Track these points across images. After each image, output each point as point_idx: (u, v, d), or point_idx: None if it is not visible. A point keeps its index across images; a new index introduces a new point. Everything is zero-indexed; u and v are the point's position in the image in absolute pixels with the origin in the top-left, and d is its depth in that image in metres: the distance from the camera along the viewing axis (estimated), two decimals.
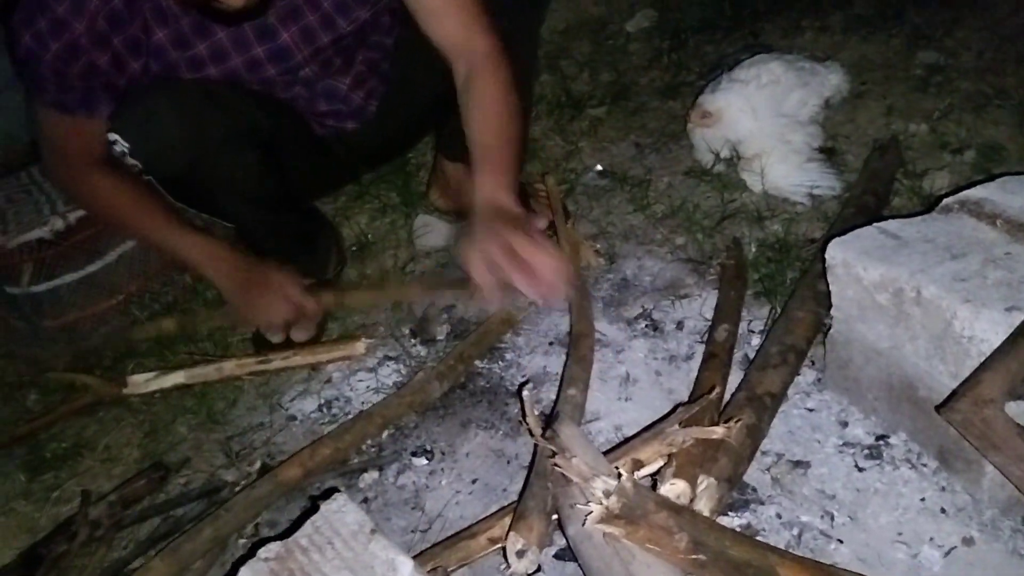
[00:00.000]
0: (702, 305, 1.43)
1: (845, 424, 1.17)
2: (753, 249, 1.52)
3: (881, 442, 1.13)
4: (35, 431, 1.52)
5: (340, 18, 1.38)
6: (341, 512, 0.86)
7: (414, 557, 1.00)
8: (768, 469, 1.12)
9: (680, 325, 1.41)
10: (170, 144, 1.31)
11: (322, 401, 1.44)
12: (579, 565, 0.91)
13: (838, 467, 1.12)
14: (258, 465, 1.34)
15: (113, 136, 1.30)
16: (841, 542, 1.03)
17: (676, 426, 0.99)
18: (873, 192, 1.52)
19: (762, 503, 1.08)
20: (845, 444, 1.14)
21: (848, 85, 1.77)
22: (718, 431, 0.97)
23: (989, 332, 0.93)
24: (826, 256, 1.11)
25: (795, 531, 1.04)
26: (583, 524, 0.85)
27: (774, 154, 1.65)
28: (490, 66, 1.31)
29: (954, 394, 0.87)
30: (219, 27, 1.29)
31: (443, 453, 1.28)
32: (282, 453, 1.36)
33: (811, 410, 1.21)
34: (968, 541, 1.00)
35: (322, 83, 1.48)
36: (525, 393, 1.06)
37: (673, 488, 0.92)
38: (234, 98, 1.37)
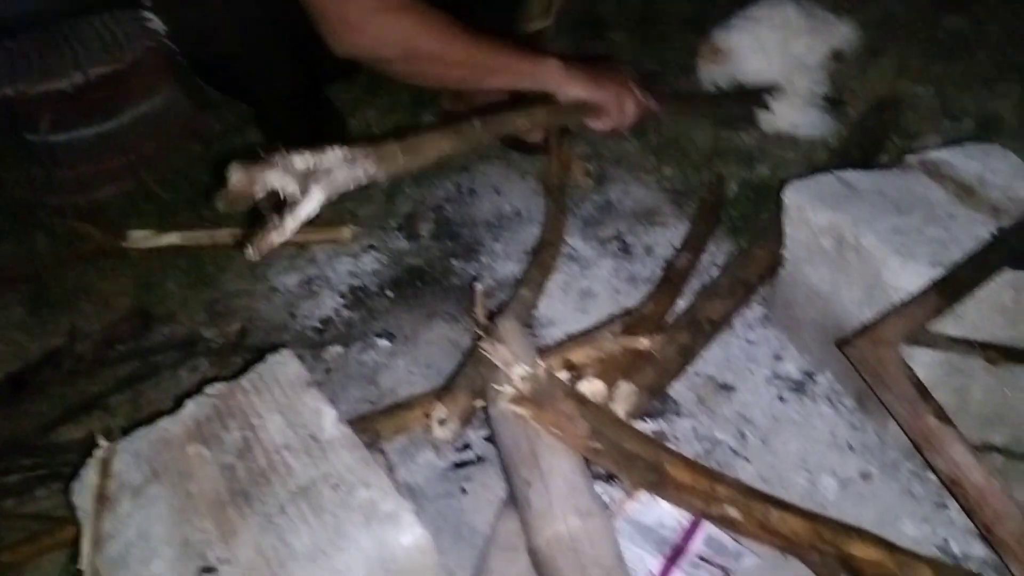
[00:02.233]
0: (675, 235, 1.49)
1: (779, 359, 1.24)
2: (735, 188, 1.56)
3: (808, 378, 1.20)
4: (40, 272, 1.62)
5: None
6: (283, 364, 0.95)
7: (354, 420, 1.10)
8: (695, 388, 1.20)
9: (649, 250, 1.47)
10: (211, 32, 1.34)
11: (304, 278, 1.52)
12: (495, 443, 1.00)
13: (762, 395, 1.19)
14: (237, 327, 1.44)
15: (149, 16, 1.34)
16: (748, 461, 1.10)
17: (609, 334, 1.06)
18: (860, 146, 1.54)
19: (681, 416, 1.16)
20: (775, 376, 1.21)
21: (860, 40, 1.77)
22: (643, 342, 1.04)
23: (912, 284, 0.98)
24: (783, 197, 1.16)
25: (706, 445, 1.12)
26: (499, 405, 0.93)
27: (779, 97, 1.68)
28: None
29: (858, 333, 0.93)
30: None
31: (406, 338, 1.36)
32: (261, 320, 1.45)
33: (751, 342, 1.27)
34: (866, 476, 1.08)
35: None
36: (476, 285, 1.13)
37: (589, 386, 0.99)
38: None
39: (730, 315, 1.24)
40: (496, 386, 0.94)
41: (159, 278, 1.58)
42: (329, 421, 0.87)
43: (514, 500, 0.91)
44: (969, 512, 0.86)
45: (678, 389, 1.19)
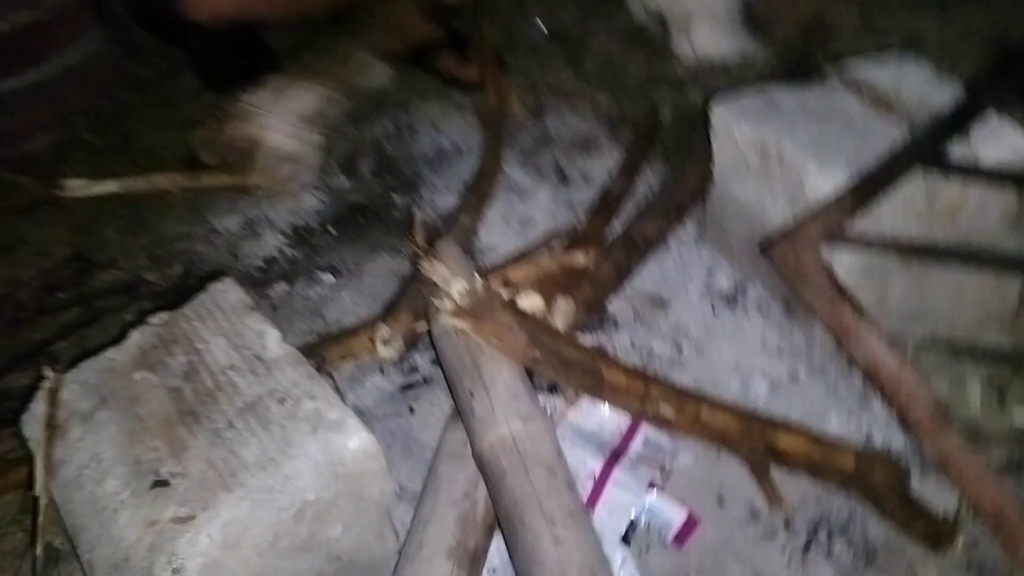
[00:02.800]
0: (611, 162, 1.52)
1: (712, 273, 1.28)
2: (668, 114, 1.59)
3: (738, 290, 1.25)
4: None
5: None
6: (225, 291, 0.96)
7: (301, 348, 1.12)
8: (632, 303, 1.24)
9: (587, 177, 1.50)
10: None
11: (245, 219, 1.53)
12: (439, 361, 1.03)
13: (696, 308, 1.23)
14: (179, 270, 1.44)
15: None
16: (684, 368, 1.15)
17: (546, 251, 1.09)
18: (788, 70, 1.58)
19: (619, 329, 1.20)
20: (708, 290, 1.26)
21: None
22: (579, 258, 1.07)
23: (831, 189, 1.03)
24: (710, 114, 1.19)
25: (644, 355, 1.17)
26: (440, 320, 0.96)
27: (699, 20, 1.71)
28: None
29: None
30: None
31: (349, 272, 1.38)
32: (203, 262, 1.45)
33: (685, 259, 1.31)
34: (794, 377, 1.13)
35: None
36: (415, 211, 1.15)
37: (527, 300, 1.03)
38: None
39: (664, 234, 1.29)
40: (437, 302, 0.96)
41: (97, 225, 1.56)
42: (272, 341, 0.89)
43: (459, 411, 0.94)
44: (886, 398, 0.91)
45: (616, 305, 1.23)
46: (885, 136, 1.06)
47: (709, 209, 1.31)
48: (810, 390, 1.12)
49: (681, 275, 1.29)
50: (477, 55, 1.74)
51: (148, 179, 1.60)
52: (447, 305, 0.95)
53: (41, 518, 0.81)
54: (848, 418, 1.08)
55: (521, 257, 1.11)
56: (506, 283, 1.07)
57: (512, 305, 0.98)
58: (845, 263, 1.02)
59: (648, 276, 1.28)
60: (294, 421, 0.80)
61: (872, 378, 0.91)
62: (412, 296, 1.09)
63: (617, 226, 1.31)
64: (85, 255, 1.49)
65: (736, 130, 1.15)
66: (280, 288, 1.37)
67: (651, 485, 0.99)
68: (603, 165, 1.52)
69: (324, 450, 0.78)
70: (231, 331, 0.91)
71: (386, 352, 1.02)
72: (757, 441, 0.97)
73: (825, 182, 1.03)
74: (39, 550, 0.81)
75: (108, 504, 0.77)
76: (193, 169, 1.62)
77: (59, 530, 0.86)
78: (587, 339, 1.17)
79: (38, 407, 0.88)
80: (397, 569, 0.88)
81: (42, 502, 0.82)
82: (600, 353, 0.98)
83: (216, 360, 0.88)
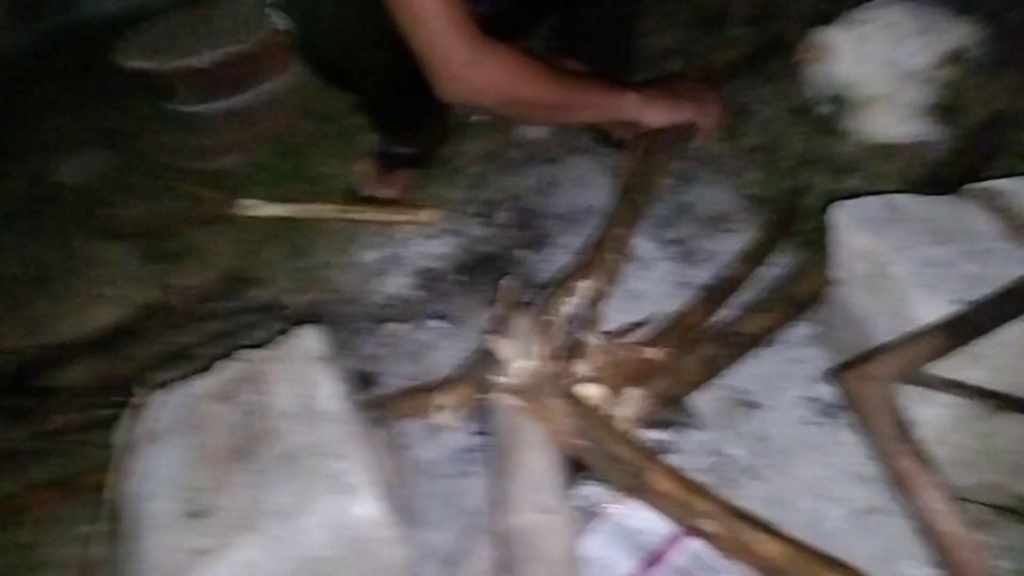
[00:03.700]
0: (742, 243, 1.46)
1: (815, 381, 1.21)
2: (818, 199, 1.51)
3: (838, 404, 1.16)
4: (160, 230, 1.81)
5: None
6: (305, 338, 1.04)
7: (377, 397, 1.18)
8: (719, 401, 1.19)
9: (712, 257, 1.45)
10: (328, 32, 1.44)
11: (381, 256, 1.62)
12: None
13: (785, 416, 1.16)
14: (313, 296, 1.56)
15: (275, 12, 1.47)
16: (755, 480, 1.09)
17: (621, 341, 1.08)
18: (963, 163, 1.45)
19: (696, 427, 1.16)
20: (806, 398, 1.18)
21: (983, 43, 1.64)
22: (653, 353, 1.05)
23: (931, 319, 0.94)
24: (827, 217, 1.13)
25: (716, 459, 1.12)
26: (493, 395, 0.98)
27: (879, 103, 1.60)
28: None
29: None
30: None
31: (457, 322, 1.43)
32: (336, 291, 1.56)
33: (791, 360, 1.24)
34: (872, 511, 1.04)
35: None
36: (504, 282, 1.18)
37: (590, 387, 1.02)
38: None
39: (770, 331, 1.22)
40: (493, 377, 0.99)
41: (258, 245, 1.72)
42: (325, 394, 0.95)
43: (490, 488, 0.96)
44: (937, 559, 0.82)
45: (699, 399, 1.19)
46: (1007, 267, 0.96)
47: (824, 313, 1.23)
48: (886, 529, 1.02)
49: (780, 377, 1.22)
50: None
51: (309, 207, 1.74)
52: (502, 381, 0.97)
53: (99, 524, 0.92)
54: (922, 567, 0.97)
55: (600, 341, 1.10)
56: (574, 366, 1.06)
57: (567, 391, 0.98)
58: (948, 401, 0.93)
59: (745, 371, 1.22)
60: (318, 478, 0.86)
61: (924, 533, 0.83)
62: (475, 366, 1.11)
63: (721, 316, 1.27)
64: (241, 271, 1.65)
65: (850, 237, 1.08)
66: (392, 328, 1.44)
67: None
68: (732, 245, 1.46)
69: (335, 511, 0.83)
70: (297, 378, 0.98)
71: (438, 418, 1.06)
72: None
73: (927, 311, 0.95)
74: (91, 550, 0.91)
75: (149, 522, 0.86)
76: (352, 201, 1.74)
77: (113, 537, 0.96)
78: (655, 433, 1.13)
79: (126, 421, 0.99)
80: None
81: (104, 508, 0.92)
82: (649, 455, 0.96)
83: (276, 404, 0.95)
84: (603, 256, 1.30)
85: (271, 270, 1.66)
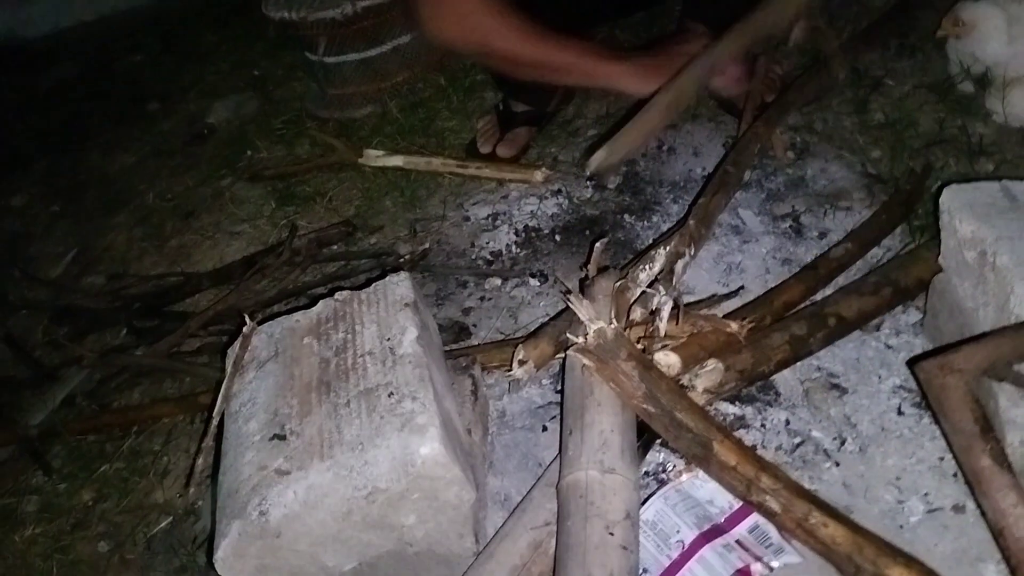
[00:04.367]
0: (857, 222, 1.41)
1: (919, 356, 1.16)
2: (938, 183, 1.43)
3: None
4: (295, 173, 1.93)
5: None
6: (396, 284, 1.10)
7: (469, 347, 1.23)
8: (807, 382, 1.17)
9: (823, 235, 1.41)
10: None
11: (492, 212, 1.66)
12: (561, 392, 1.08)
13: (879, 403, 1.13)
14: (424, 247, 1.62)
15: None
16: (838, 465, 1.07)
17: (704, 311, 1.08)
18: None
19: (778, 406, 1.14)
20: (901, 387, 1.14)
21: None
22: (730, 327, 1.05)
23: None
24: (939, 201, 1.07)
25: (796, 440, 1.10)
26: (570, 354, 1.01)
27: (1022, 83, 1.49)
28: None
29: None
30: None
31: (554, 280, 1.45)
32: (447, 243, 1.62)
33: (890, 347, 1.20)
34: (959, 508, 1.00)
35: None
36: (597, 244, 1.19)
37: (664, 355, 1.03)
38: None
39: (868, 315, 1.18)
40: (571, 336, 1.01)
41: (380, 193, 1.80)
42: (409, 339, 1.00)
43: (559, 444, 0.99)
44: (1010, 564, 0.79)
45: (788, 379, 1.17)
46: None
47: (929, 299, 1.18)
48: (972, 530, 0.98)
49: (877, 363, 1.18)
50: (760, 83, 1.69)
51: (429, 160, 1.80)
52: (579, 341, 0.99)
53: (207, 439, 1.01)
54: (1005, 572, 0.94)
55: (681, 309, 1.10)
56: (652, 332, 1.07)
57: (640, 355, 0.99)
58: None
59: (840, 355, 1.19)
60: (391, 415, 0.91)
61: (997, 536, 0.80)
62: (558, 324, 1.14)
63: (822, 295, 1.23)
64: (361, 218, 1.74)
65: (959, 223, 1.03)
66: (494, 282, 1.48)
67: (739, 573, 0.95)
68: (846, 223, 1.41)
69: (402, 448, 0.88)
70: (385, 321, 1.04)
71: (517, 372, 1.09)
72: (868, 565, 0.89)
73: None
74: (199, 463, 1.01)
75: (244, 441, 0.95)
76: (471, 157, 1.79)
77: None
78: (734, 407, 1.13)
79: (235, 347, 1.08)
80: (467, 570, 0.96)
81: (212, 424, 1.02)
82: (719, 427, 0.96)
83: (363, 343, 1.02)
84: (687, 224, 1.29)
85: (389, 218, 1.73)
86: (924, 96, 1.63)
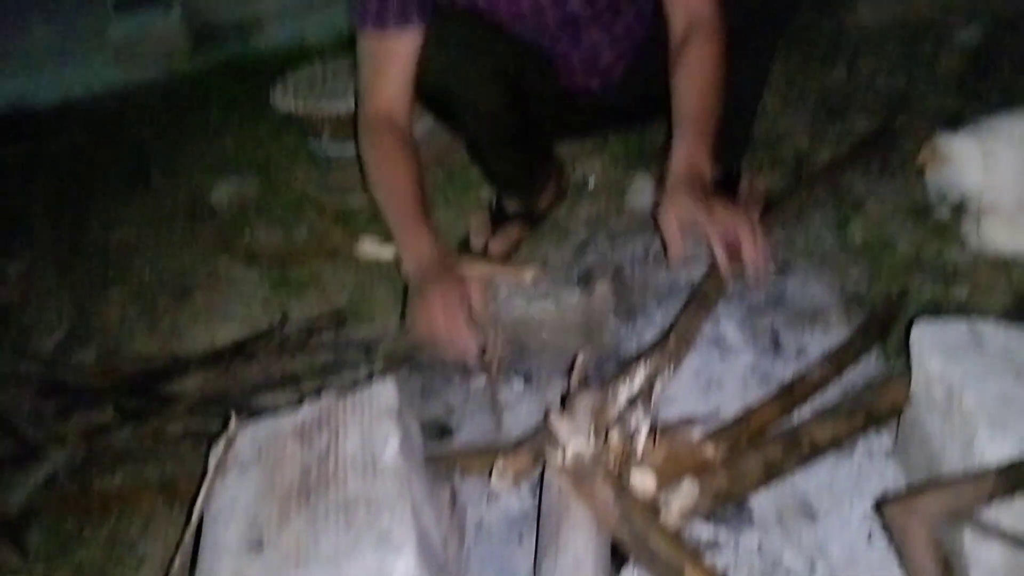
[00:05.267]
0: (834, 341, 1.45)
1: (884, 497, 1.18)
2: (919, 306, 1.48)
3: None
4: (291, 257, 1.97)
5: None
6: (382, 390, 1.12)
7: (447, 453, 1.25)
8: (781, 505, 1.19)
9: (800, 353, 1.45)
10: (428, 69, 1.55)
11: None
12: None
13: (849, 530, 1.15)
14: (410, 339, 1.65)
15: None
16: None
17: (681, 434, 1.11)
18: None
19: (752, 529, 1.16)
20: (872, 515, 1.16)
21: None
22: (707, 451, 1.07)
23: (997, 458, 0.92)
24: (910, 336, 1.12)
25: (768, 564, 1.12)
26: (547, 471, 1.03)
27: (1002, 214, 1.55)
28: (707, 31, 1.44)
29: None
30: None
31: (539, 384, 1.48)
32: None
33: (863, 472, 1.23)
34: None
35: (584, 34, 1.64)
36: (579, 357, 1.22)
37: (640, 476, 1.05)
38: (493, 42, 1.55)
39: (840, 441, 1.21)
40: (548, 452, 1.03)
41: (372, 283, 1.84)
42: (391, 450, 1.02)
43: (534, 561, 1.01)
44: None
45: (760, 501, 1.19)
46: None
47: (901, 428, 1.21)
48: None
49: (850, 488, 1.20)
50: (746, 195, 1.76)
51: None
52: (556, 460, 1.02)
53: (184, 538, 1.02)
54: None
55: (658, 429, 1.13)
56: (628, 452, 1.09)
57: (615, 479, 1.01)
58: (996, 548, 0.91)
59: (814, 478, 1.22)
60: (368, 530, 0.93)
61: None
62: (537, 437, 1.16)
63: (794, 417, 1.26)
64: (354, 306, 1.77)
65: (927, 360, 1.07)
66: (477, 381, 1.51)
67: None
68: (823, 343, 1.45)
69: (377, 565, 0.89)
70: (368, 429, 1.06)
71: (497, 482, 1.11)
72: None
73: (993, 449, 0.93)
74: (175, 565, 1.02)
75: (221, 547, 0.96)
76: (463, 252, 1.84)
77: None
78: (707, 530, 1.15)
79: (218, 446, 1.10)
80: None
81: (192, 522, 1.03)
82: (692, 555, 0.97)
83: (346, 451, 1.04)
84: (667, 342, 1.33)
85: (380, 308, 1.77)
86: (903, 219, 1.70)
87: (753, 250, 1.29)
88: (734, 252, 1.30)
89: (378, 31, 1.49)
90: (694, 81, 1.43)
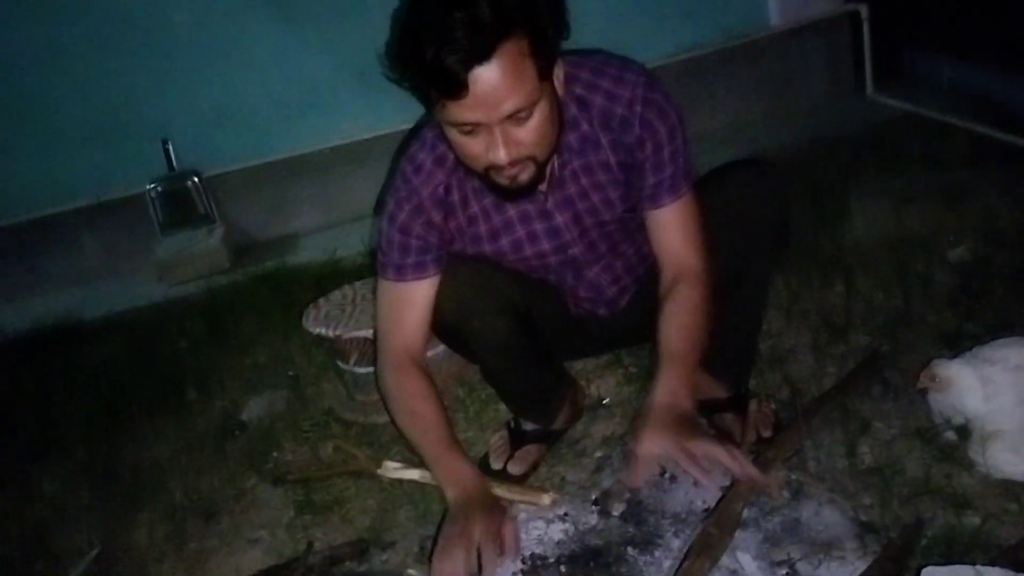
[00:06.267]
0: (850, 573, 1.46)
1: None
2: (931, 534, 1.50)
3: None
4: (316, 478, 2.03)
5: (604, 210, 1.65)
6: None
7: None
8: None
9: None
10: (442, 309, 1.67)
11: None
12: None
13: None
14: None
15: None
16: None
17: None
18: None
19: None
20: None
21: None
22: None
23: None
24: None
25: None
26: None
27: (1005, 440, 1.60)
28: (694, 280, 1.58)
29: None
30: (510, 205, 1.62)
31: None
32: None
33: None
34: None
35: (587, 271, 1.78)
36: None
37: None
38: (501, 279, 1.70)
39: None
40: None
41: (396, 506, 1.88)
42: None
43: None
44: None
45: None
46: None
47: None
48: None
49: None
50: (754, 419, 1.82)
51: None
52: None
53: None
54: None
55: None
56: None
57: None
58: None
59: None
60: None
61: None
62: None
63: None
64: (376, 531, 1.81)
65: None
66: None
67: None
68: (840, 574, 1.46)
69: None
70: None
71: None
72: None
73: None
74: None
75: None
76: (483, 473, 1.89)
77: None
78: None
79: None
80: None
81: None
82: None
83: None
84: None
85: (402, 533, 1.80)
86: (910, 441, 1.74)
87: (734, 463, 1.41)
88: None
89: (398, 282, 1.62)
90: (679, 321, 1.57)
